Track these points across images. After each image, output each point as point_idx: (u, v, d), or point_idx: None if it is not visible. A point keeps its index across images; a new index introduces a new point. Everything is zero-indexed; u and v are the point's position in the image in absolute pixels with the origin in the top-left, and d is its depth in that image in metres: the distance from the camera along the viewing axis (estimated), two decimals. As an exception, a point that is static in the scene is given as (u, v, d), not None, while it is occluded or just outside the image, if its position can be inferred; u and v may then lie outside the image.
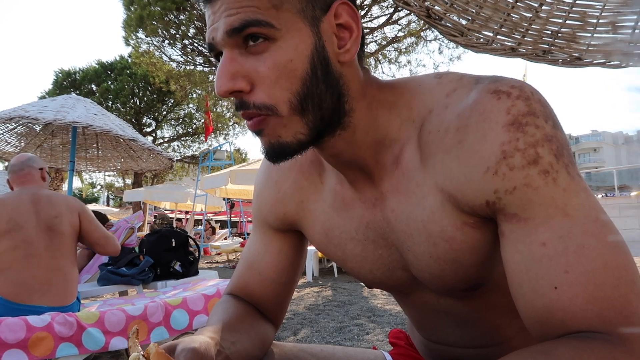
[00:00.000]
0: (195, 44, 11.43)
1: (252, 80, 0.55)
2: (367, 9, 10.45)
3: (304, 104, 0.56)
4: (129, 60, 18.08)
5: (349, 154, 0.63)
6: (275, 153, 0.58)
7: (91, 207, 16.89)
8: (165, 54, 12.02)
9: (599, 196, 12.11)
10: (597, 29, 0.84)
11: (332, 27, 0.57)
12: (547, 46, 0.88)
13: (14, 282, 1.96)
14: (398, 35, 11.25)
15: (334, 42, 0.57)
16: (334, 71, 0.57)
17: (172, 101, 18.89)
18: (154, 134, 19.92)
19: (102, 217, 3.72)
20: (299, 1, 0.54)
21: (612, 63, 0.83)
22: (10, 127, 4.54)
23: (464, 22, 0.91)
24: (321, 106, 0.57)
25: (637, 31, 0.80)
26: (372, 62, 11.89)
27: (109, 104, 18.08)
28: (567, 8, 0.86)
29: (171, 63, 12.14)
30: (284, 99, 0.55)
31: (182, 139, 20.53)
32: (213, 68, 11.78)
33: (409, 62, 11.94)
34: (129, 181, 23.17)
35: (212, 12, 0.56)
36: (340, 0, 0.57)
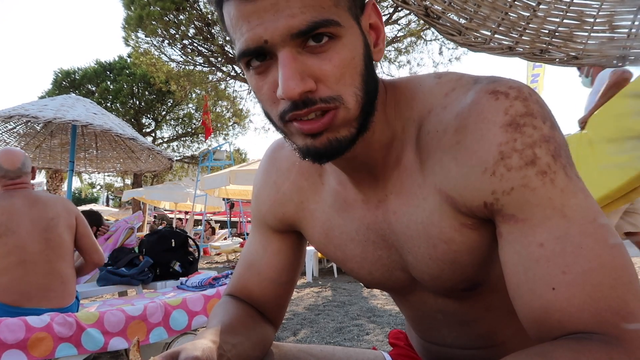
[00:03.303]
0: (195, 44, 11.43)
1: (316, 79, 0.52)
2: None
3: (365, 99, 0.55)
4: (128, 61, 18.08)
5: (363, 155, 0.62)
6: (330, 152, 0.55)
7: (91, 207, 16.88)
8: (165, 54, 12.01)
9: (599, 196, 12.08)
10: (594, 28, 0.85)
11: (367, 27, 0.57)
12: (544, 45, 0.88)
13: (9, 289, 1.91)
14: (398, 35, 11.25)
15: (371, 41, 0.57)
16: (374, 69, 0.57)
17: (172, 101, 18.88)
18: (153, 134, 19.90)
19: (97, 217, 3.71)
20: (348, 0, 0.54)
21: (608, 62, 0.83)
22: (10, 127, 4.54)
23: (462, 21, 0.91)
24: (372, 102, 0.57)
25: (633, 30, 0.80)
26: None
27: (108, 104, 18.06)
28: (565, 7, 0.86)
29: (171, 63, 12.13)
30: (350, 92, 0.53)
31: (182, 139, 20.51)
32: (213, 68, 11.78)
33: (408, 62, 11.94)
34: (128, 181, 23.17)
35: (256, 9, 0.50)
36: (372, 0, 0.57)
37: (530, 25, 0.87)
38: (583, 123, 2.82)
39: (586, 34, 0.85)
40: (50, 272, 2.01)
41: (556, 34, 0.87)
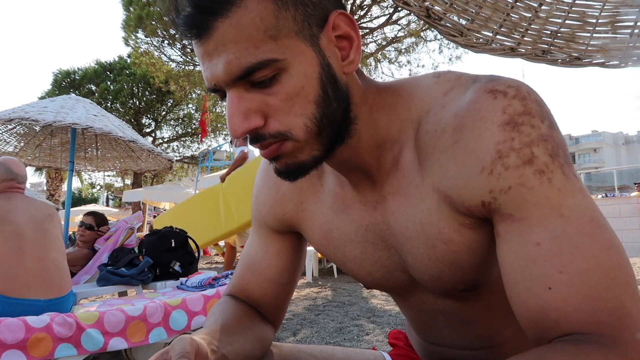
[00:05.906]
0: (195, 44, 11.41)
1: (264, 114, 0.54)
2: (367, 9, 10.45)
3: (320, 126, 0.55)
4: (128, 61, 18.07)
5: (354, 160, 0.63)
6: (292, 173, 0.59)
7: (91, 207, 16.86)
8: (165, 54, 12.01)
9: (599, 196, 12.10)
10: (597, 28, 0.84)
11: (332, 41, 0.55)
12: (546, 46, 0.87)
13: (7, 276, 1.98)
14: (398, 35, 11.25)
15: (337, 56, 0.56)
16: (341, 85, 0.57)
17: (172, 101, 18.86)
18: (153, 135, 19.87)
19: (101, 219, 3.71)
20: (295, 23, 0.52)
21: (611, 63, 0.82)
22: (10, 127, 4.54)
23: (463, 22, 0.91)
24: (334, 122, 0.57)
25: (636, 31, 0.79)
26: (372, 62, 11.90)
27: (108, 104, 18.04)
28: (567, 8, 0.85)
29: (170, 63, 12.13)
30: (299, 124, 0.54)
31: (182, 139, 20.49)
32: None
33: (408, 62, 11.94)
34: (128, 181, 23.15)
35: (204, 52, 0.53)
36: (336, 11, 0.55)
37: (532, 26, 0.86)
38: (222, 179, 4.96)
39: (588, 34, 0.84)
40: (46, 259, 2.12)
41: (558, 34, 0.86)
